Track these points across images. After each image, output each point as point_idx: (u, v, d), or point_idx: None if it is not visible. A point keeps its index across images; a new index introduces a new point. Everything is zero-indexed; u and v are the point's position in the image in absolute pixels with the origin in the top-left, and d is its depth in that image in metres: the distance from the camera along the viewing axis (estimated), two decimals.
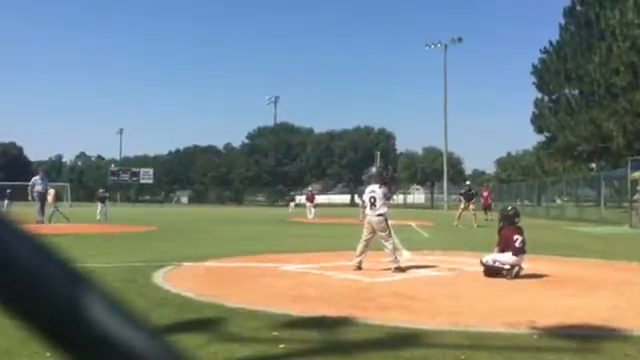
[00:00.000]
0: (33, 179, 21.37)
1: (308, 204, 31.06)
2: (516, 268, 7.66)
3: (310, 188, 36.31)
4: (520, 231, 7.96)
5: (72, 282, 0.44)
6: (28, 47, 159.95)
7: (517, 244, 7.74)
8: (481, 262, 7.90)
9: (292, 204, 40.85)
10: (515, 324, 4.89)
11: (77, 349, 0.43)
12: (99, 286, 0.45)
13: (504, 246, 7.85)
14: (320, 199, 40.83)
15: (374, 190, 8.56)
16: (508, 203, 27.62)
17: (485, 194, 27.74)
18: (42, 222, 19.90)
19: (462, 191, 24.72)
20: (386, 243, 8.37)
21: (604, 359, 3.88)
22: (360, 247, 8.48)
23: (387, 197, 8.70)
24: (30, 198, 21.21)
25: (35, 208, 20.73)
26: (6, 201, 38.67)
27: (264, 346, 4.15)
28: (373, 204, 8.48)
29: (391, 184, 9.31)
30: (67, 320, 0.43)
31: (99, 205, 26.66)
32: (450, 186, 63.33)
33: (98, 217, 25.38)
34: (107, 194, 28.33)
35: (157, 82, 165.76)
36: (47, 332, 0.43)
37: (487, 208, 26.53)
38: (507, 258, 7.70)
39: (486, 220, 23.66)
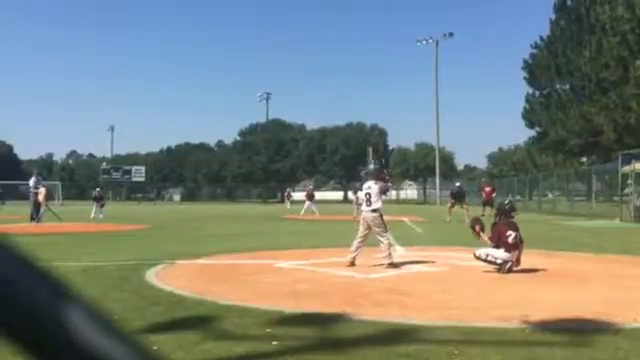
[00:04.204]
0: (32, 180, 21.42)
1: (307, 202, 31.04)
2: (508, 264, 7.68)
3: (311, 186, 36.44)
4: (514, 227, 7.98)
5: (54, 293, 0.44)
6: (17, 46, 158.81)
7: (510, 240, 7.75)
8: (474, 255, 7.94)
9: (287, 201, 40.81)
10: (508, 318, 4.92)
11: None
12: (81, 297, 0.45)
13: (497, 241, 7.87)
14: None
15: (370, 186, 8.63)
16: (501, 198, 27.55)
17: (487, 190, 27.39)
18: (39, 221, 19.93)
19: (452, 191, 24.45)
20: (382, 239, 8.41)
21: (596, 352, 3.90)
22: (355, 243, 8.53)
23: (383, 191, 8.76)
24: (32, 199, 21.23)
25: (30, 208, 20.85)
26: None
27: (257, 343, 4.14)
28: (369, 200, 8.55)
29: (389, 178, 9.39)
30: (48, 332, 0.42)
31: (94, 204, 26.57)
32: (442, 181, 63.46)
33: (92, 216, 25.23)
34: (102, 193, 28.24)
35: (148, 79, 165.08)
36: (28, 344, 0.42)
37: (487, 204, 26.01)
38: (500, 254, 7.73)
39: (482, 216, 23.65)
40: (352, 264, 8.33)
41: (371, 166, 9.51)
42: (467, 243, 10.19)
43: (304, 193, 34.30)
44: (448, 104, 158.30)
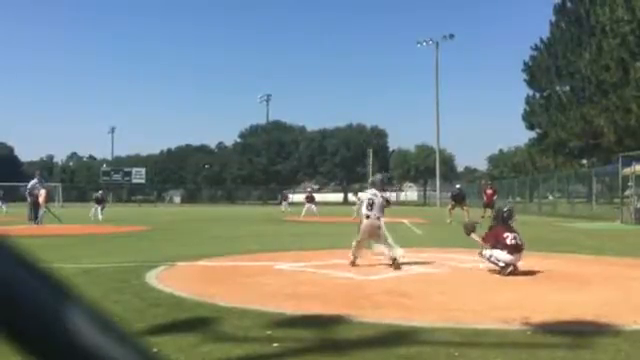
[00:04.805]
0: (32, 182, 21.33)
1: (307, 204, 31.22)
2: (510, 267, 7.68)
3: (309, 189, 36.81)
4: (511, 230, 8.00)
5: (55, 295, 0.44)
6: (18, 47, 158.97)
7: (508, 241, 7.76)
8: (480, 253, 7.99)
9: (284, 203, 40.69)
10: (508, 320, 4.91)
11: None
12: (82, 298, 0.45)
13: (494, 242, 7.90)
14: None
15: (376, 194, 8.76)
16: (502, 200, 27.51)
17: (489, 192, 27.35)
18: (39, 223, 19.92)
19: (452, 193, 24.50)
20: (381, 246, 8.54)
21: (597, 354, 3.90)
22: (357, 245, 8.64)
23: (384, 205, 8.92)
24: (28, 200, 21.16)
25: (28, 210, 20.78)
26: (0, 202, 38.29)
27: (258, 345, 4.14)
28: (370, 205, 8.67)
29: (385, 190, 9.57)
30: (49, 333, 0.42)
31: (95, 206, 26.64)
32: (442, 183, 63.51)
33: (92, 218, 25.32)
34: (104, 195, 28.34)
35: (148, 81, 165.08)
36: (29, 345, 0.42)
37: (488, 206, 25.92)
38: (503, 256, 7.74)
39: (482, 217, 23.65)
40: (353, 263, 8.47)
41: (378, 176, 9.66)
42: (467, 245, 10.18)
43: (304, 195, 34.49)
44: (448, 105, 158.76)
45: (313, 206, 30.70)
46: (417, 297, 6.17)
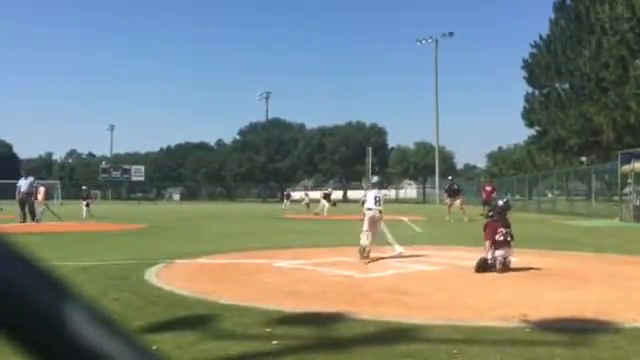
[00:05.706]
0: (20, 180, 21.30)
1: (323, 201, 32.11)
2: (500, 259, 7.69)
3: (330, 189, 38.41)
4: (505, 224, 8.00)
5: (54, 292, 0.44)
6: (17, 45, 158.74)
7: (497, 237, 7.78)
8: (485, 260, 7.95)
9: (286, 201, 40.78)
10: (507, 318, 4.92)
11: None
12: (81, 296, 0.45)
13: (492, 238, 7.95)
14: (314, 195, 41.68)
15: (384, 193, 10.14)
16: (500, 197, 27.49)
17: (488, 189, 27.27)
18: (38, 221, 19.87)
19: (446, 187, 24.68)
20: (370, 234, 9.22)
21: (595, 352, 3.91)
22: (364, 238, 9.16)
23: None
24: (17, 199, 21.11)
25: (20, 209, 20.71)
26: None
27: (257, 342, 4.14)
28: (378, 201, 9.47)
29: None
30: (48, 331, 0.42)
31: (85, 204, 26.64)
32: (442, 181, 63.49)
33: (84, 216, 25.27)
34: (90, 191, 28.32)
35: (148, 79, 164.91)
36: (28, 343, 0.42)
37: (487, 203, 25.78)
38: (492, 254, 7.76)
39: (481, 215, 23.62)
40: (368, 253, 8.89)
41: (375, 178, 10.88)
42: (467, 243, 10.20)
43: (321, 193, 35.35)
44: (448, 103, 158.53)
45: (325, 203, 31.66)
46: (417, 295, 6.17)
